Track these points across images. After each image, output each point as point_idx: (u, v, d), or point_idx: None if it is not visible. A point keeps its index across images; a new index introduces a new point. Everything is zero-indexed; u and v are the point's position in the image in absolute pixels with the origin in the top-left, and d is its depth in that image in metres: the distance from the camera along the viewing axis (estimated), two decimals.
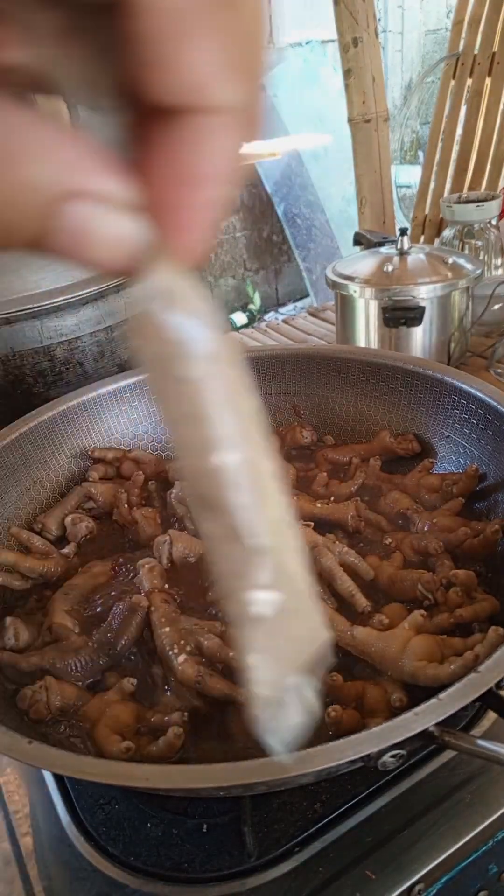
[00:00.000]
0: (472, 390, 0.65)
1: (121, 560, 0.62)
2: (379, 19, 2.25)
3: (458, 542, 0.57)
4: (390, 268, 1.11)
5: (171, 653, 0.49)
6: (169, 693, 0.49)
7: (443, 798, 0.50)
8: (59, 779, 0.54)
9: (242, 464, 0.21)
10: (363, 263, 1.16)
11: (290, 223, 3.54)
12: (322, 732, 0.46)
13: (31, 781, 0.56)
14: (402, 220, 1.97)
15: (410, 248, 1.15)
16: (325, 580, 0.53)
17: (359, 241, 1.35)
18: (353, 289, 1.12)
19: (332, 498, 0.66)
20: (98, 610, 0.56)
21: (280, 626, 0.23)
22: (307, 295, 3.77)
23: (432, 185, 1.79)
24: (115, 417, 0.76)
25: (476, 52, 1.68)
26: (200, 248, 0.20)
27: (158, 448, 0.79)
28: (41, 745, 0.38)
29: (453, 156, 1.75)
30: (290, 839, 0.48)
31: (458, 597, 0.52)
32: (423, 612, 0.49)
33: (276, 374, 0.80)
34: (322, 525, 0.61)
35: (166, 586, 0.56)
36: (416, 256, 1.13)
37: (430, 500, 0.65)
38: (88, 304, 0.75)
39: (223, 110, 0.18)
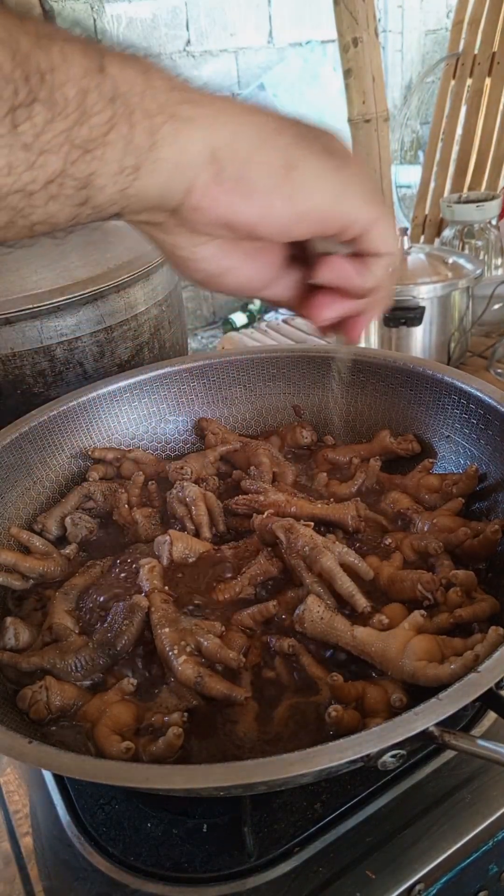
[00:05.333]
0: (473, 390, 0.65)
1: (121, 560, 0.62)
2: (379, 19, 2.25)
3: (458, 542, 0.57)
4: (390, 268, 1.10)
5: (171, 653, 0.49)
6: (169, 693, 0.49)
7: (443, 798, 0.50)
8: (59, 779, 0.54)
9: None
10: None
11: None
12: (322, 732, 0.46)
13: (31, 781, 0.56)
14: (402, 220, 1.97)
15: (410, 247, 1.15)
16: (325, 580, 0.53)
17: None
18: None
19: (332, 498, 0.66)
20: (98, 610, 0.56)
21: None
22: None
23: (432, 184, 1.79)
24: (115, 417, 0.76)
25: (476, 52, 1.68)
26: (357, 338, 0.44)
27: (158, 448, 0.79)
28: (41, 745, 0.38)
29: (453, 156, 1.75)
30: (290, 839, 0.48)
31: (458, 597, 0.52)
32: (423, 612, 0.49)
33: (276, 374, 0.80)
34: (322, 525, 0.61)
35: (166, 587, 0.56)
36: (416, 256, 1.13)
37: (431, 501, 0.65)
38: (88, 304, 0.75)
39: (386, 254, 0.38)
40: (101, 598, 0.57)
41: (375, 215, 0.36)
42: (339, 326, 0.43)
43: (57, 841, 0.50)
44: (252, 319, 3.55)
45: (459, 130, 1.73)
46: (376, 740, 0.36)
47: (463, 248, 1.40)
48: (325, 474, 0.71)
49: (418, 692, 0.45)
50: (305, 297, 0.41)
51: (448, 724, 0.37)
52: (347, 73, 1.62)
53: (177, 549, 0.58)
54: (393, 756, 0.37)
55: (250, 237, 0.34)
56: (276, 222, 0.33)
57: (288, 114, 0.35)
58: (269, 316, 3.66)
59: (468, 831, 0.48)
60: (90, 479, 0.71)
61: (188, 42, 3.21)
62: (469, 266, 1.12)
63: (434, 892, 0.47)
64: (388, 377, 0.74)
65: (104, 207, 0.30)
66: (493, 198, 1.41)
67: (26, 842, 0.51)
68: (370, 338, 1.17)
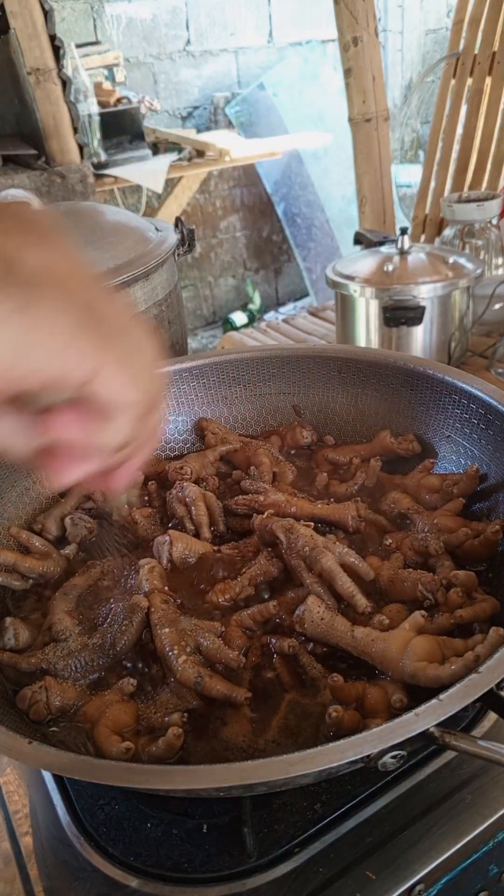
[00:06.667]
0: (473, 390, 0.65)
1: (121, 560, 0.62)
2: (379, 19, 2.25)
3: (459, 542, 0.57)
4: (390, 267, 1.11)
5: (171, 653, 0.49)
6: (169, 693, 0.49)
7: (443, 799, 0.50)
8: (59, 779, 0.54)
9: None
10: (363, 263, 1.16)
11: (290, 223, 3.54)
12: (322, 733, 0.46)
13: (31, 781, 0.55)
14: (402, 220, 1.97)
15: (411, 247, 1.15)
16: (325, 581, 0.53)
17: (359, 240, 1.35)
18: (354, 288, 1.12)
19: (332, 498, 0.66)
20: (98, 610, 0.56)
21: None
22: (307, 294, 3.76)
23: (433, 184, 1.79)
24: None
25: (476, 51, 1.68)
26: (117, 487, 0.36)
27: (158, 448, 0.78)
28: (41, 745, 0.38)
29: (454, 155, 1.75)
30: (290, 840, 0.48)
31: (459, 597, 0.52)
32: (423, 612, 0.49)
33: (276, 374, 0.80)
34: (322, 525, 0.61)
35: (166, 587, 0.56)
36: (417, 256, 1.13)
37: (431, 501, 0.65)
38: None
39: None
40: (109, 601, 0.57)
41: (91, 363, 0.27)
42: (98, 480, 0.35)
43: (57, 841, 0.50)
44: (252, 319, 3.55)
45: (460, 130, 1.73)
46: (376, 741, 0.35)
47: (463, 248, 1.40)
48: (325, 474, 0.71)
49: (419, 693, 0.45)
50: (41, 451, 0.31)
51: (448, 724, 0.37)
52: (347, 73, 1.62)
53: (177, 549, 0.58)
54: (393, 757, 0.37)
55: None
56: None
57: None
58: (269, 316, 3.66)
59: (468, 832, 0.47)
60: None
61: (188, 42, 3.21)
62: (469, 266, 1.12)
63: (434, 892, 0.47)
64: (388, 377, 0.74)
65: None
66: (493, 197, 1.41)
67: (26, 842, 0.51)
68: (370, 337, 1.17)
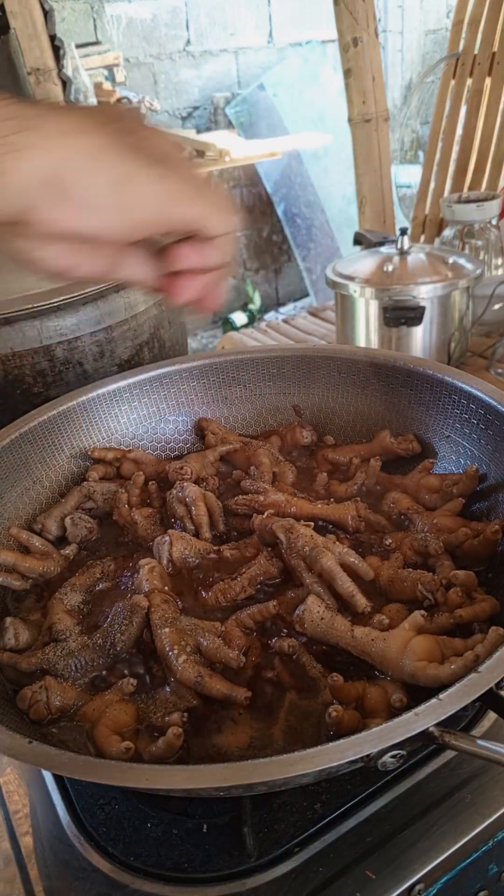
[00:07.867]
0: (473, 390, 0.65)
1: (121, 560, 0.62)
2: (379, 19, 2.25)
3: (459, 542, 0.57)
4: (390, 267, 1.11)
5: (171, 653, 0.49)
6: (169, 693, 0.49)
7: (443, 798, 0.50)
8: (59, 779, 0.54)
9: None
10: (363, 263, 1.16)
11: (290, 223, 3.54)
12: (322, 732, 0.46)
13: (31, 781, 0.56)
14: (402, 220, 1.97)
15: (410, 247, 1.15)
16: (325, 581, 0.53)
17: (359, 240, 1.36)
18: (353, 288, 1.12)
19: (332, 498, 0.66)
20: (98, 610, 0.56)
21: None
22: (307, 295, 3.77)
23: (432, 184, 1.79)
24: (115, 417, 0.76)
25: (476, 52, 1.68)
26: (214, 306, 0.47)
27: (158, 448, 0.79)
28: (41, 745, 0.38)
29: (453, 155, 1.75)
30: (290, 839, 0.48)
31: (459, 597, 0.52)
32: (423, 612, 0.49)
33: (276, 374, 0.80)
34: (322, 525, 0.61)
35: (166, 587, 0.56)
36: (417, 256, 1.13)
37: (431, 501, 0.65)
38: (88, 304, 0.75)
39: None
40: (109, 600, 0.57)
41: (205, 209, 0.40)
42: (196, 300, 0.47)
43: (57, 841, 0.50)
44: (252, 319, 3.55)
45: (459, 130, 1.73)
46: (376, 740, 0.36)
47: (463, 248, 1.40)
48: (325, 474, 0.71)
49: (418, 692, 0.45)
50: (163, 279, 0.45)
51: (448, 724, 0.37)
52: (347, 73, 1.62)
53: (177, 549, 0.58)
54: (393, 756, 0.37)
55: (94, 242, 0.39)
56: (116, 232, 0.38)
57: (120, 120, 0.38)
58: (269, 316, 3.66)
59: (468, 831, 0.48)
60: (90, 479, 0.71)
61: (188, 42, 3.21)
62: (469, 266, 1.12)
63: (434, 892, 0.47)
64: (388, 377, 0.74)
65: None
66: (493, 197, 1.41)
67: (26, 842, 0.51)
68: (370, 337, 1.17)
